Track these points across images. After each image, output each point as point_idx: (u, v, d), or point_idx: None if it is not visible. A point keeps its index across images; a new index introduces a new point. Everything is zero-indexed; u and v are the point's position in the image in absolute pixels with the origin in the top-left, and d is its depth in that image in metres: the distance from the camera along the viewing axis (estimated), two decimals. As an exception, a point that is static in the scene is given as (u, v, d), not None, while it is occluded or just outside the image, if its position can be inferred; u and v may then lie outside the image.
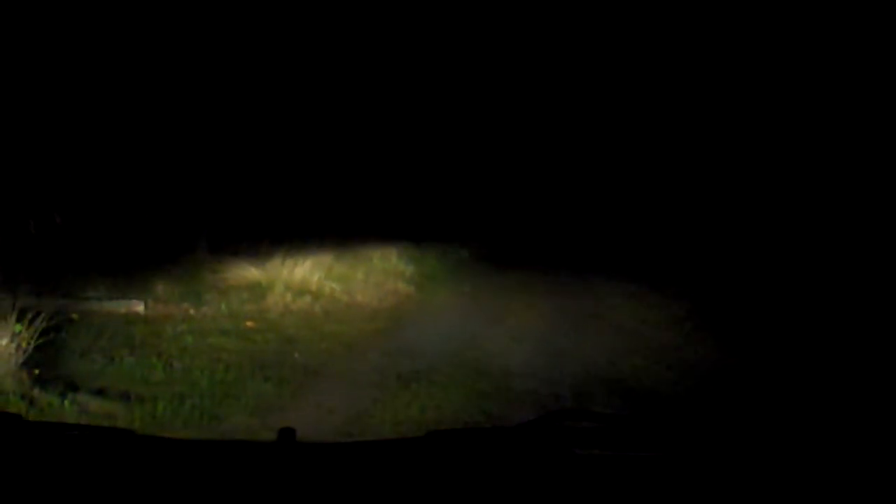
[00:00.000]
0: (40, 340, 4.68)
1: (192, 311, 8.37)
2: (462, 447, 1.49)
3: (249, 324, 8.10)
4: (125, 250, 8.49)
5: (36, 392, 4.10)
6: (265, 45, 10.45)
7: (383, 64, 12.38)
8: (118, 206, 8.85)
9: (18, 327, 4.42)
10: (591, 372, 6.86)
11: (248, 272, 9.86)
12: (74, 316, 6.27)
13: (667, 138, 12.19)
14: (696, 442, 1.59)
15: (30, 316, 4.60)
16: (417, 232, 13.17)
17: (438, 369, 6.59)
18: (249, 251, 10.36)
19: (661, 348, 7.94)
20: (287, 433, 1.53)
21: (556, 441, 1.52)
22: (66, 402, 4.14)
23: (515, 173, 16.35)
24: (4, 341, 4.34)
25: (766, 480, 1.40)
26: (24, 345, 4.42)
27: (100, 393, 4.52)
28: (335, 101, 12.16)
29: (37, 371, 4.44)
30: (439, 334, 8.17)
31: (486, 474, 1.36)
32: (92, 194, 8.34)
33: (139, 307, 8.03)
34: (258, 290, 9.34)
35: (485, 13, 12.26)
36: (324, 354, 7.11)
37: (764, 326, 8.48)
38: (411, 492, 1.26)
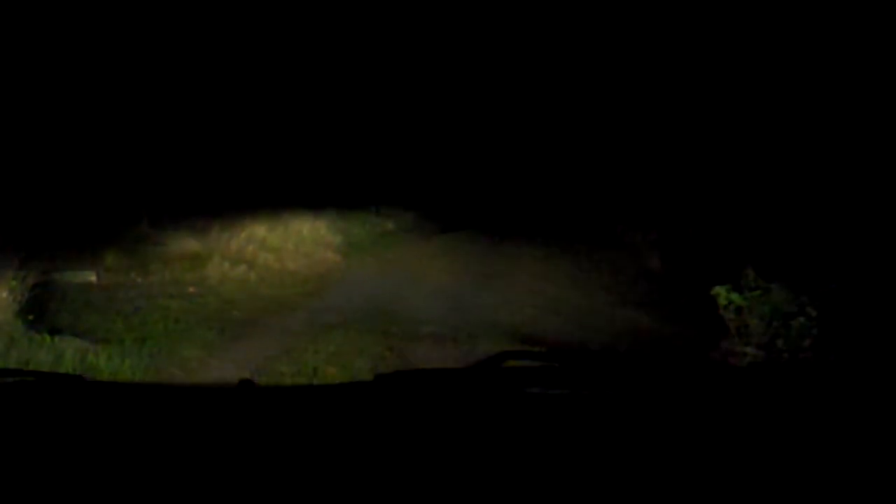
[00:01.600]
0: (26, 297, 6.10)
1: (139, 280, 9.77)
2: (411, 389, 1.56)
3: (192, 289, 9.55)
4: (76, 225, 9.77)
5: (31, 333, 5.52)
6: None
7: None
8: (68, 182, 10.07)
9: (14, 283, 5.82)
10: (488, 320, 8.55)
11: (188, 244, 11.26)
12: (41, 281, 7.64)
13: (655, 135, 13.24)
14: (630, 380, 1.69)
15: (20, 276, 6.02)
16: (346, 202, 14.60)
17: (357, 320, 8.20)
18: (188, 224, 11.72)
19: (555, 299, 9.70)
20: (246, 382, 1.59)
21: (502, 381, 1.62)
22: (55, 339, 5.58)
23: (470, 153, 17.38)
24: (4, 293, 5.76)
25: (699, 414, 1.47)
26: (17, 298, 5.83)
27: (77, 335, 5.96)
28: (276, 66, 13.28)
29: (30, 317, 5.87)
30: (361, 295, 9.75)
31: (438, 414, 1.40)
32: (43, 172, 9.55)
33: (92, 277, 9.40)
34: (198, 261, 10.75)
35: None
36: (259, 312, 8.63)
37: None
38: (363, 432, 1.29)
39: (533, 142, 16.66)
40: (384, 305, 9.11)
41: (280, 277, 10.74)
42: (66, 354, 5.23)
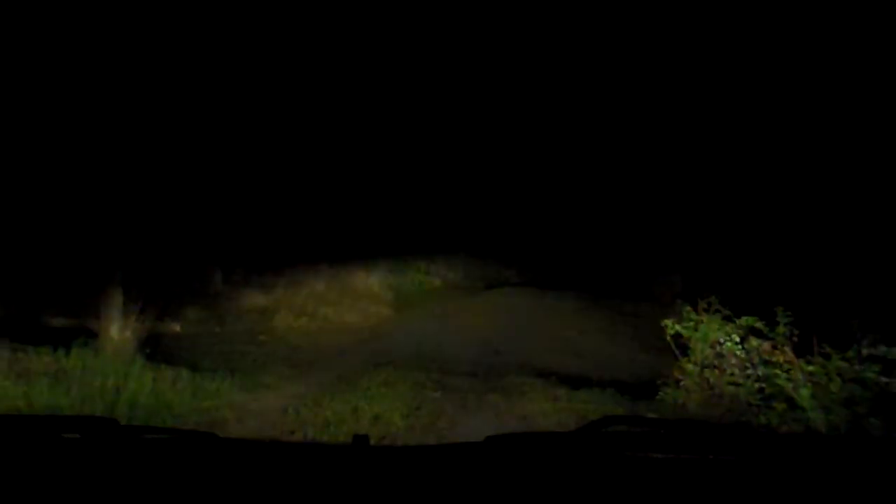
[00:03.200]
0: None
1: (217, 330, 11.81)
2: (519, 452, 1.69)
3: (262, 338, 11.54)
4: (165, 283, 11.90)
5: (152, 363, 7.48)
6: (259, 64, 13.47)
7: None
8: (154, 246, 12.24)
9: (136, 327, 7.88)
10: (514, 361, 10.26)
11: (256, 299, 13.33)
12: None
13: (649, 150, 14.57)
14: (736, 445, 1.76)
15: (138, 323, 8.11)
16: (398, 259, 16.59)
17: (403, 360, 10.01)
18: (255, 281, 13.82)
19: (580, 346, 11.35)
20: (361, 439, 1.73)
21: (606, 445, 1.75)
22: (168, 367, 7.52)
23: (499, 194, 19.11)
24: (129, 333, 7.80)
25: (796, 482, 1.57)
26: (138, 337, 7.88)
27: (181, 366, 7.90)
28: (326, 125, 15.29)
29: (147, 351, 7.88)
30: (407, 342, 11.58)
31: (543, 477, 1.52)
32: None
33: (177, 327, 11.48)
34: (266, 314, 12.79)
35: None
36: (320, 355, 10.53)
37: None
38: (474, 495, 1.40)
39: (570, 195, 18.37)
40: (424, 350, 10.91)
41: (337, 328, 12.66)
42: (181, 376, 7.20)
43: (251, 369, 8.69)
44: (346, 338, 11.99)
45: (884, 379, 4.84)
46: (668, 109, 13.61)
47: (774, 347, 6.40)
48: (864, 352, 5.12)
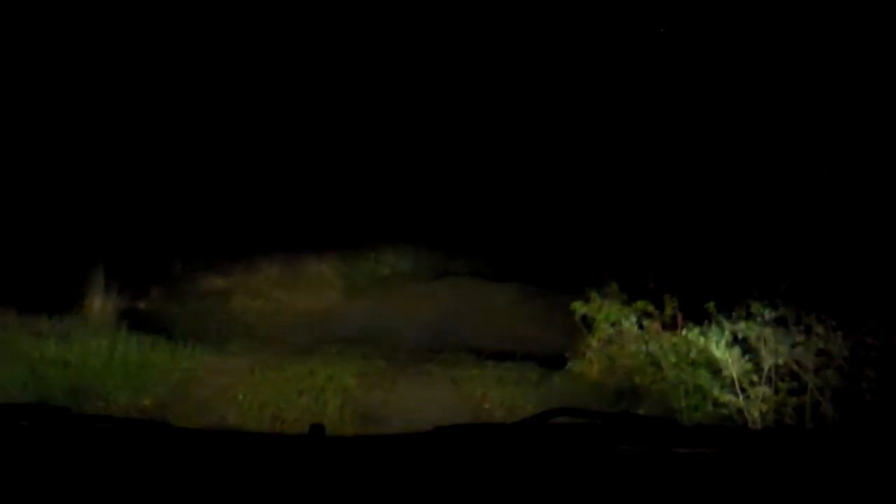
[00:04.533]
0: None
1: (177, 310, 13.15)
2: (466, 442, 1.80)
3: (222, 316, 12.93)
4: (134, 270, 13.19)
5: (131, 331, 8.88)
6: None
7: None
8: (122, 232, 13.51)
9: (116, 301, 9.27)
10: (453, 343, 11.83)
11: (215, 282, 14.68)
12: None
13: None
14: (680, 437, 1.86)
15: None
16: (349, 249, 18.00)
17: (352, 338, 11.52)
18: (214, 267, 15.14)
19: (513, 330, 12.98)
20: (316, 429, 1.81)
21: (550, 436, 1.86)
22: (144, 335, 8.91)
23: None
24: (109, 307, 9.20)
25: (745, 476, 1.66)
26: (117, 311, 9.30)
27: (156, 334, 9.29)
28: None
29: (126, 322, 9.28)
30: (356, 324, 13.08)
31: (489, 468, 1.61)
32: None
33: (144, 305, 12.80)
34: (224, 296, 14.16)
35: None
36: (276, 331, 11.99)
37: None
38: (421, 483, 1.49)
39: (517, 194, 19.97)
40: (374, 331, 12.43)
41: (290, 310, 14.10)
42: (159, 341, 8.65)
43: (215, 340, 10.10)
44: (300, 318, 13.43)
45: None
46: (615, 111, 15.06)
47: (663, 326, 8.11)
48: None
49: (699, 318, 7.34)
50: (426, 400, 7.76)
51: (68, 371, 6.98)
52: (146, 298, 13.10)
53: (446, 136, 18.89)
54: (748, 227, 10.07)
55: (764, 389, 5.67)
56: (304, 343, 10.96)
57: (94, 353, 7.51)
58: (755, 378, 5.79)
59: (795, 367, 5.74)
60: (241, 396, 7.14)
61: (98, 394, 6.76)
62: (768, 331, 5.83)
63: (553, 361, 9.41)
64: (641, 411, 7.10)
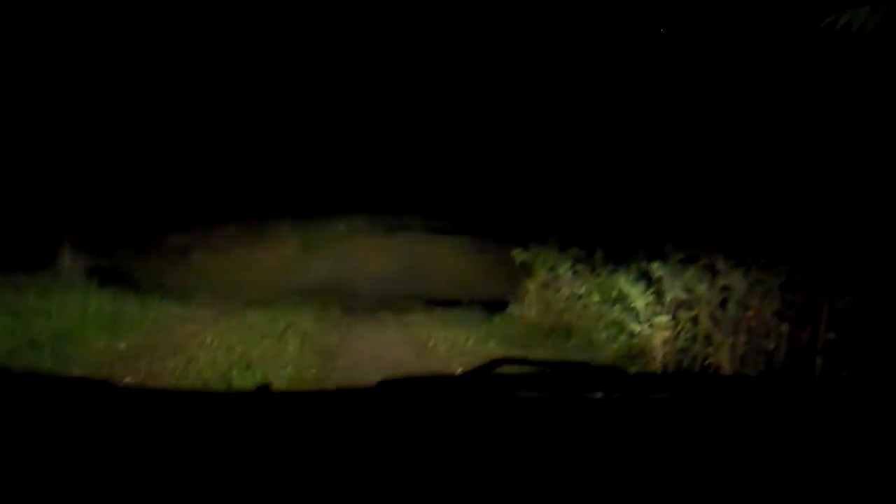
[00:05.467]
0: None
1: (142, 266, 13.84)
2: (411, 394, 1.81)
3: (184, 272, 13.66)
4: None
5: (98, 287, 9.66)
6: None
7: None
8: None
9: (85, 260, 10.05)
10: (404, 292, 12.75)
11: (176, 240, 15.36)
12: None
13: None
14: (625, 384, 1.90)
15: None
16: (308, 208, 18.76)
17: (310, 290, 12.38)
18: (176, 226, 15.80)
19: (461, 280, 13.93)
20: (262, 389, 1.79)
21: (497, 386, 1.88)
22: (117, 290, 9.68)
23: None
24: (79, 264, 9.97)
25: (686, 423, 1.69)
26: (86, 268, 10.09)
27: (125, 287, 10.06)
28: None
29: (96, 277, 10.07)
30: (313, 277, 13.93)
31: (434, 419, 1.63)
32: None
33: (108, 262, 13.47)
34: (185, 253, 14.85)
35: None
36: (237, 285, 12.78)
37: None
38: (367, 438, 1.50)
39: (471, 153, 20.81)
40: (331, 284, 13.30)
41: (250, 265, 14.89)
42: (128, 294, 9.44)
43: (180, 294, 10.88)
44: (259, 274, 14.23)
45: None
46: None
47: (592, 270, 9.10)
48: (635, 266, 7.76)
49: (626, 264, 8.37)
50: (378, 341, 8.66)
51: (50, 320, 7.68)
52: (111, 256, 13.75)
53: (413, 106, 19.53)
54: (676, 187, 10.99)
55: (665, 318, 6.67)
56: (265, 294, 11.77)
57: (70, 304, 8.27)
58: (658, 309, 6.78)
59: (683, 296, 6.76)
60: (209, 340, 7.94)
61: (78, 340, 7.50)
62: (669, 268, 6.82)
63: (496, 306, 10.39)
64: (570, 345, 8.12)
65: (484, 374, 1.92)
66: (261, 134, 17.97)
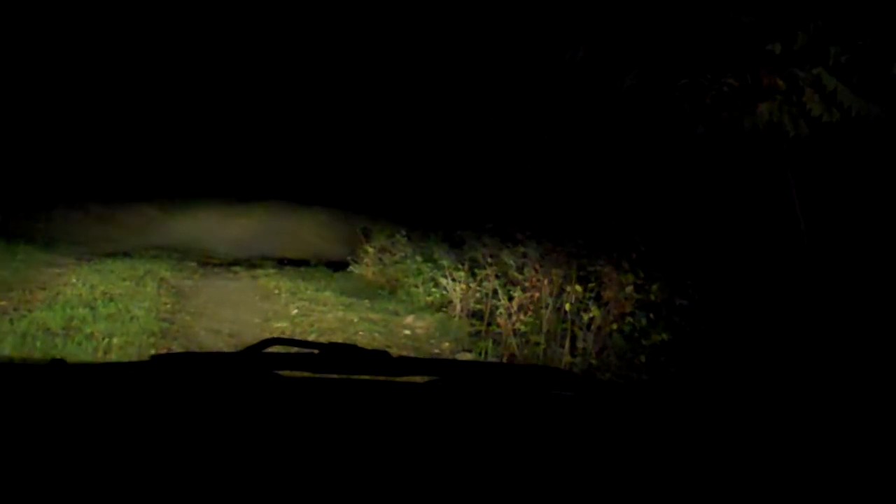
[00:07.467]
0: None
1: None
2: (181, 370, 1.85)
3: (56, 233, 14.51)
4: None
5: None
6: None
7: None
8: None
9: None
10: (256, 254, 14.10)
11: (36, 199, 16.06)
12: None
13: None
14: (390, 367, 1.92)
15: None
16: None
17: (168, 247, 13.55)
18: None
19: (310, 244, 15.39)
20: (57, 362, 1.80)
21: (264, 364, 1.94)
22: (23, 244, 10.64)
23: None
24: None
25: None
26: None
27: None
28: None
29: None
30: (172, 236, 15.07)
31: (199, 395, 1.68)
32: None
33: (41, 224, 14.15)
34: (46, 211, 15.63)
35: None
36: (100, 240, 13.78)
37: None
38: (138, 409, 1.54)
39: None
40: (189, 244, 14.49)
41: (115, 224, 15.84)
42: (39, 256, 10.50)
43: (43, 244, 11.91)
44: (122, 231, 15.25)
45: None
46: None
47: (422, 237, 10.79)
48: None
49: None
50: (229, 288, 10.03)
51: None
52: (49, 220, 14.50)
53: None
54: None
55: (462, 274, 8.43)
56: (125, 248, 12.89)
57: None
58: (460, 266, 8.54)
59: (489, 261, 8.54)
60: (73, 279, 9.12)
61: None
62: (469, 233, 8.63)
63: (339, 266, 11.95)
64: (394, 297, 9.76)
65: (255, 352, 1.99)
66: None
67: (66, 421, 1.44)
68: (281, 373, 1.85)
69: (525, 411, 1.73)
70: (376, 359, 1.96)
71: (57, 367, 1.76)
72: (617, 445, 1.53)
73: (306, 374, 1.87)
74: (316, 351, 1.96)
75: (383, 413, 1.64)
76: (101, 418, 1.48)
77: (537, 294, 7.52)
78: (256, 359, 1.97)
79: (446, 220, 10.78)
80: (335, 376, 1.87)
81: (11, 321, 6.81)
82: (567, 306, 6.79)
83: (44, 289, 8.58)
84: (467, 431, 1.54)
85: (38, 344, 6.22)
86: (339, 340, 7.08)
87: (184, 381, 1.78)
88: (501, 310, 7.62)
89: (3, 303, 7.64)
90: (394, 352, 2.17)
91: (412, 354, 6.96)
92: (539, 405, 1.80)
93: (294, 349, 2.05)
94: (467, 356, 7.13)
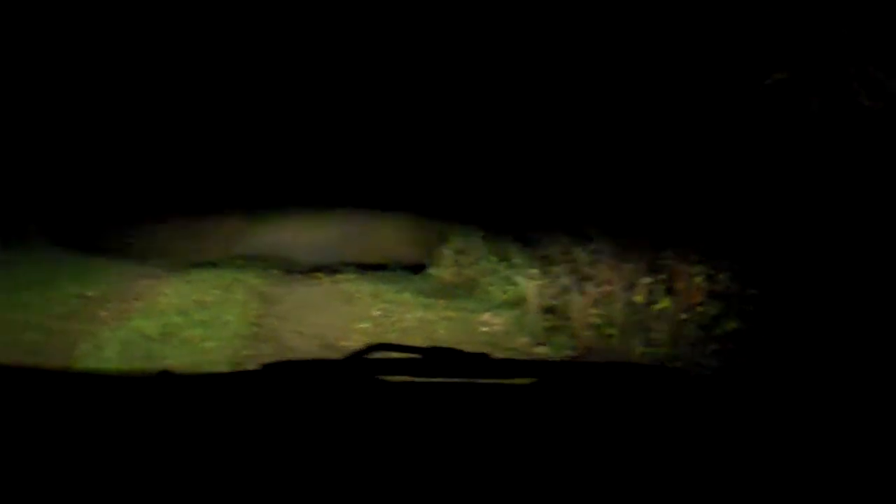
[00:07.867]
0: None
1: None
2: (294, 379, 1.91)
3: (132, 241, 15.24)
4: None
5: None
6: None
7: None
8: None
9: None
10: (337, 260, 14.53)
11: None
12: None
13: None
14: (491, 369, 2.00)
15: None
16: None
17: (252, 256, 14.10)
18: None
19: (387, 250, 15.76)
20: (165, 374, 1.85)
21: (368, 371, 1.98)
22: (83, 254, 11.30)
23: None
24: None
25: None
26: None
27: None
28: None
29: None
30: (261, 247, 15.66)
31: (310, 404, 1.72)
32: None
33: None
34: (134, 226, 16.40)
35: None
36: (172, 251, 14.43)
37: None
38: (252, 420, 1.58)
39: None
40: (272, 252, 15.06)
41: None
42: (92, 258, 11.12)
43: (140, 258, 12.58)
44: (207, 242, 15.92)
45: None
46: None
47: (497, 237, 11.01)
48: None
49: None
50: (313, 293, 10.46)
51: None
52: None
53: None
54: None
55: (537, 270, 8.66)
56: (208, 258, 13.47)
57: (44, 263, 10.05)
58: (534, 264, 8.78)
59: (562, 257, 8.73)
60: (166, 289, 9.61)
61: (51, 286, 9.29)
62: (542, 231, 8.86)
63: (417, 269, 12.28)
64: (471, 296, 10.00)
65: (360, 358, 2.08)
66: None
67: (178, 434, 1.50)
68: (385, 378, 1.91)
69: (628, 413, 1.74)
70: (477, 361, 2.05)
71: (165, 380, 1.83)
72: (723, 446, 1.55)
73: (407, 378, 1.93)
74: (418, 356, 2.06)
75: (490, 416, 1.68)
76: (215, 430, 1.55)
77: (609, 288, 7.65)
78: (361, 365, 2.10)
79: (520, 219, 10.97)
80: (438, 380, 1.93)
81: (112, 330, 7.38)
82: (638, 298, 6.93)
83: (139, 299, 9.11)
84: (575, 434, 1.56)
85: (137, 350, 6.70)
86: (419, 338, 7.45)
87: (294, 389, 1.84)
88: (575, 304, 7.80)
89: (104, 313, 8.21)
90: (471, 348, 2.13)
91: (489, 350, 7.06)
92: (640, 408, 1.80)
93: (396, 354, 2.13)
94: (543, 350, 7.33)
